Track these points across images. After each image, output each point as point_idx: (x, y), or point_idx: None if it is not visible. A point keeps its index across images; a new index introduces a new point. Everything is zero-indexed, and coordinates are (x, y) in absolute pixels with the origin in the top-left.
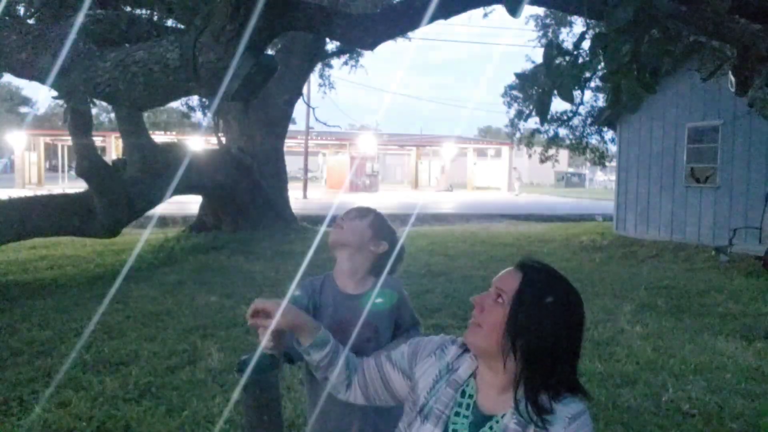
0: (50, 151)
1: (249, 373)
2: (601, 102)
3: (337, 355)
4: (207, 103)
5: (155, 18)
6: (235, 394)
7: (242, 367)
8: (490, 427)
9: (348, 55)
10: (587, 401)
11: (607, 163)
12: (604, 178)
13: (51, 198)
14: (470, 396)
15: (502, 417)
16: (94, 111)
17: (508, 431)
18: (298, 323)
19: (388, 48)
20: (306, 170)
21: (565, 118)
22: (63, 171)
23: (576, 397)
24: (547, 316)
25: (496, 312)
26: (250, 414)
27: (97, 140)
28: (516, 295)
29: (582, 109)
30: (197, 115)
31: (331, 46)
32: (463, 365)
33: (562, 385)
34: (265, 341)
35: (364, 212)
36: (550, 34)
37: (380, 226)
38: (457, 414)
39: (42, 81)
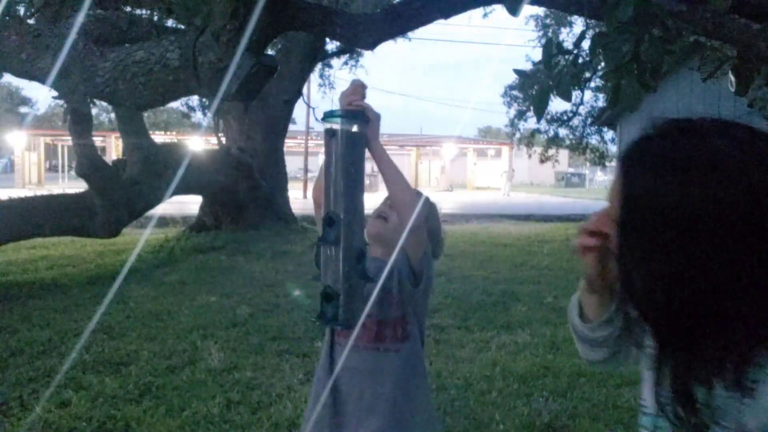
0: (50, 151)
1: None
2: (601, 102)
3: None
4: (207, 103)
5: (155, 18)
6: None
7: (326, 117)
8: None
9: (348, 55)
10: None
11: (607, 163)
12: (604, 178)
13: (51, 198)
14: None
15: None
16: (94, 111)
17: None
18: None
19: (388, 48)
20: (306, 170)
21: (565, 118)
22: (63, 171)
23: None
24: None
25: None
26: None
27: (97, 140)
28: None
29: (582, 109)
30: (197, 115)
31: (331, 46)
32: None
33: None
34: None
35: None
36: (550, 34)
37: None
38: None
39: (42, 81)
